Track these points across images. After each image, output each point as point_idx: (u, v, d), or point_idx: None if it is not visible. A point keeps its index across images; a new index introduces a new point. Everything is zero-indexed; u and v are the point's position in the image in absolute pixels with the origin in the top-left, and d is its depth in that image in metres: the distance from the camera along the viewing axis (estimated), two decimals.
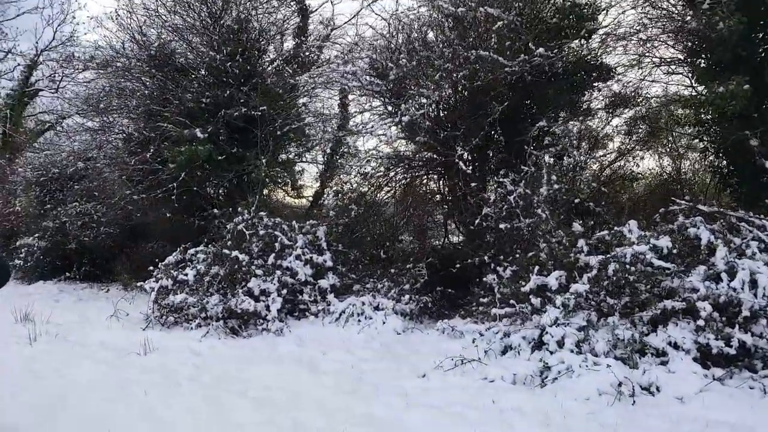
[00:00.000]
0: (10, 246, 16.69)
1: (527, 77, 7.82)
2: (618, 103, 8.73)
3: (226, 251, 8.42)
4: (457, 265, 7.50)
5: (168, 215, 13.92)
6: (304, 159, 15.33)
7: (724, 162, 7.66)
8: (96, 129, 14.20)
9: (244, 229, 9.00)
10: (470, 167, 7.54)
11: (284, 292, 8.03)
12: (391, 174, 10.28)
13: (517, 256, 6.66)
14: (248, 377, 5.54)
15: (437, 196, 10.05)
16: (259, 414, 4.59)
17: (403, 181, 10.19)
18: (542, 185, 6.76)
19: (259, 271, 8.27)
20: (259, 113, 11.81)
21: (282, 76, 13.14)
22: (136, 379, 5.60)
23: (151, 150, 11.95)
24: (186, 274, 8.47)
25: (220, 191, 14.01)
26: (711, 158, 7.79)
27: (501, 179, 7.35)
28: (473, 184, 7.54)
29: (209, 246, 9.28)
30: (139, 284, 9.19)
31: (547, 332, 5.32)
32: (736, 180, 7.28)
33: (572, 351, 5.07)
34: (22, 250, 15.32)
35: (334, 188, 10.94)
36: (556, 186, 6.81)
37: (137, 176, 12.92)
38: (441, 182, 9.94)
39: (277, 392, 5.09)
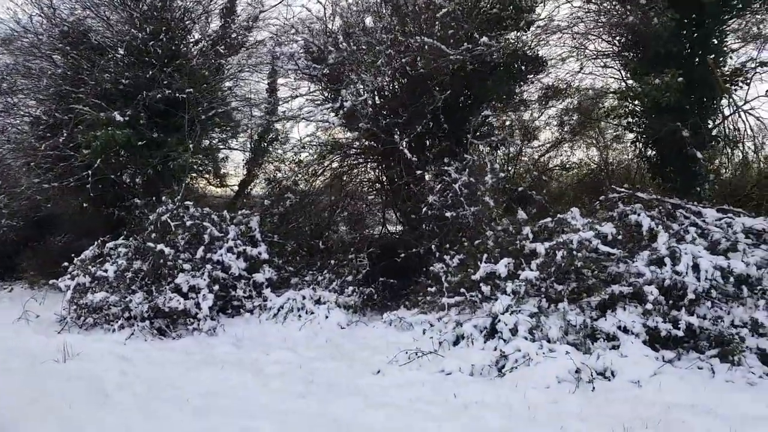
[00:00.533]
0: None
1: (468, 66, 7.66)
2: (551, 95, 8.79)
3: (151, 244, 7.68)
4: (402, 255, 7.23)
5: (82, 206, 12.79)
6: (228, 146, 14.50)
7: (654, 152, 7.89)
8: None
9: (169, 220, 8.27)
10: (412, 156, 7.27)
11: (216, 288, 7.43)
12: (327, 162, 9.88)
13: (465, 244, 6.48)
14: (185, 383, 4.97)
15: (376, 185, 9.75)
16: (203, 423, 4.09)
17: (340, 170, 9.82)
18: (486, 174, 6.62)
19: (186, 266, 7.60)
20: (185, 95, 10.97)
21: (208, 57, 12.30)
22: (56, 389, 4.88)
23: (65, 134, 10.79)
24: (105, 270, 7.64)
25: (138, 180, 12.97)
26: (641, 148, 8.00)
27: (445, 167, 7.13)
28: (418, 172, 7.28)
29: (130, 239, 8.46)
30: (50, 282, 8.23)
31: (499, 320, 5.16)
32: (670, 169, 7.49)
33: (526, 338, 4.94)
34: None
35: (266, 176, 10.38)
36: (501, 174, 6.69)
37: (46, 163, 11.63)
38: (379, 171, 9.65)
39: (220, 399, 4.58)
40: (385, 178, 9.57)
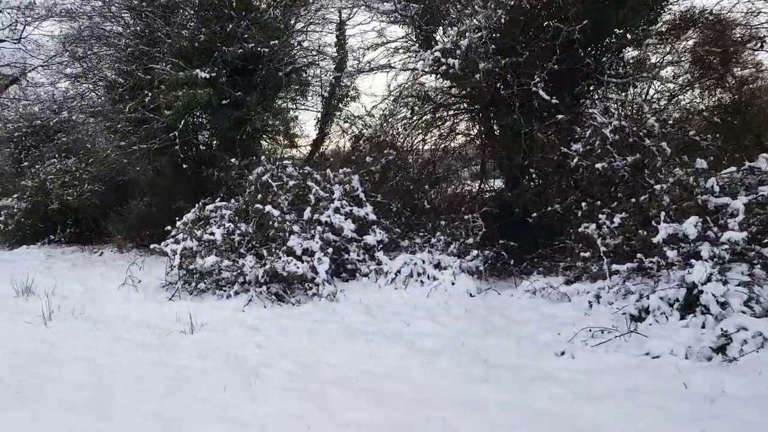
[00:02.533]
0: None
1: None
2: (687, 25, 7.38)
3: (259, 206, 6.90)
4: (534, 215, 6.22)
5: (160, 169, 12.20)
6: (301, 104, 13.53)
7: None
8: (76, 75, 12.02)
9: (270, 181, 7.47)
10: (551, 98, 6.14)
11: (330, 251, 6.63)
12: (416, 117, 8.85)
13: (621, 200, 5.43)
14: (336, 361, 4.20)
15: (475, 138, 8.68)
16: (383, 411, 3.29)
17: (435, 123, 8.80)
18: (645, 116, 5.48)
19: (296, 228, 6.83)
20: (263, 50, 10.03)
21: (280, 8, 11.26)
22: (196, 367, 4.18)
23: (149, 96, 10.05)
24: (212, 234, 6.93)
25: (215, 141, 12.21)
26: None
27: (589, 110, 6.03)
28: (560, 116, 6.15)
29: (231, 201, 7.71)
30: (152, 246, 7.59)
31: (701, 291, 4.17)
32: None
33: (744, 313, 3.95)
34: (1, 212, 13.28)
35: (354, 134, 9.41)
36: (664, 116, 5.56)
37: (127, 127, 11.03)
38: (479, 122, 8.58)
39: (384, 380, 3.79)
40: (483, 129, 8.52)
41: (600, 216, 5.43)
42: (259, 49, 10.52)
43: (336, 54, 12.83)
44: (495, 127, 7.95)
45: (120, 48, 10.89)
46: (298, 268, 6.17)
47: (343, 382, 3.78)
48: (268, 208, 6.81)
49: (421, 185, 7.92)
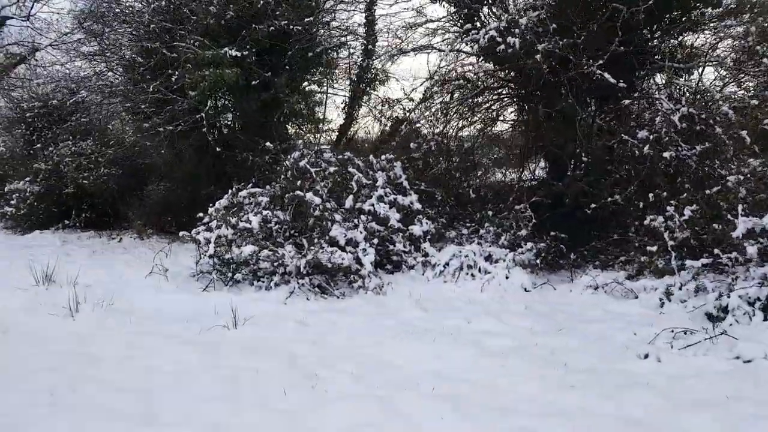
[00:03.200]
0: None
1: None
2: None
3: (299, 192, 6.73)
4: (592, 205, 6.01)
5: (179, 153, 12.08)
6: (330, 85, 13.25)
7: None
8: (93, 53, 11.86)
9: (308, 166, 7.31)
10: (618, 82, 5.89)
11: (375, 241, 6.48)
12: (455, 103, 8.62)
13: (689, 192, 5.21)
14: (401, 361, 4.04)
15: (525, 123, 8.44)
16: (468, 424, 3.15)
17: (483, 108, 8.58)
18: (717, 103, 5.24)
19: (337, 217, 6.67)
20: (300, 27, 9.82)
21: None
22: (247, 366, 4.04)
23: (175, 75, 9.86)
24: (249, 221, 6.79)
25: (238, 125, 12.02)
26: None
27: (654, 94, 5.79)
28: (626, 102, 5.92)
29: (266, 187, 7.55)
30: (180, 234, 7.46)
31: None
32: None
33: None
34: (13, 196, 13.20)
35: (391, 116, 9.19)
36: (735, 104, 5.32)
37: (148, 108, 10.86)
38: (523, 107, 8.35)
39: (461, 385, 3.59)
40: (529, 115, 8.29)
41: (668, 208, 5.22)
42: (291, 26, 10.32)
43: (365, 35, 12.59)
44: (542, 112, 7.70)
45: (141, 25, 10.69)
46: (343, 259, 6.01)
47: (414, 386, 3.61)
48: (309, 195, 6.64)
49: (467, 173, 7.71)
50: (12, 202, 13.17)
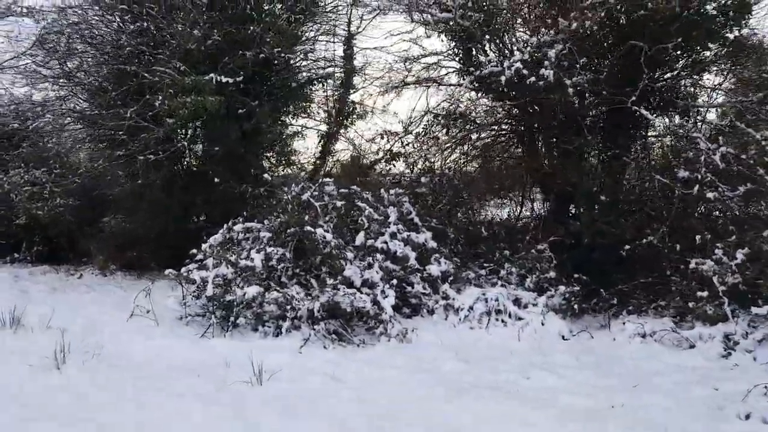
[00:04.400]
0: None
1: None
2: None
3: (309, 228, 6.07)
4: (627, 248, 5.68)
5: (152, 185, 11.14)
6: (308, 116, 12.61)
7: None
8: (57, 76, 10.82)
9: (312, 200, 6.68)
10: (655, 115, 5.67)
11: (394, 282, 5.89)
12: (451, 137, 8.31)
13: (740, 235, 4.98)
14: (471, 426, 3.46)
15: (520, 161, 8.21)
16: None
17: (477, 144, 8.28)
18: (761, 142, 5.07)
19: (349, 255, 6.06)
20: (288, 55, 9.31)
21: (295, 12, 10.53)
22: None
23: (153, 101, 9.04)
24: (251, 259, 6.04)
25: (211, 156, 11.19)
26: None
27: (693, 134, 5.59)
28: (651, 136, 5.69)
29: (265, 222, 6.83)
30: (174, 273, 6.60)
31: None
32: None
33: None
34: None
35: (390, 150, 8.74)
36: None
37: (119, 135, 9.89)
38: (524, 144, 8.12)
39: None
40: (529, 150, 8.08)
41: (716, 251, 4.94)
42: (281, 54, 9.81)
43: (343, 68, 12.21)
44: (552, 147, 7.46)
45: (114, 48, 9.85)
46: (365, 303, 5.38)
47: None
48: (320, 231, 6.00)
49: (472, 209, 7.30)
50: None
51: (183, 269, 6.40)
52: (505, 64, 6.17)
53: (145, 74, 9.04)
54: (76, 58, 11.12)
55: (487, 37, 7.61)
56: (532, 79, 5.88)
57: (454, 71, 8.63)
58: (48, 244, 11.81)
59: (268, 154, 11.89)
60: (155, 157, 9.60)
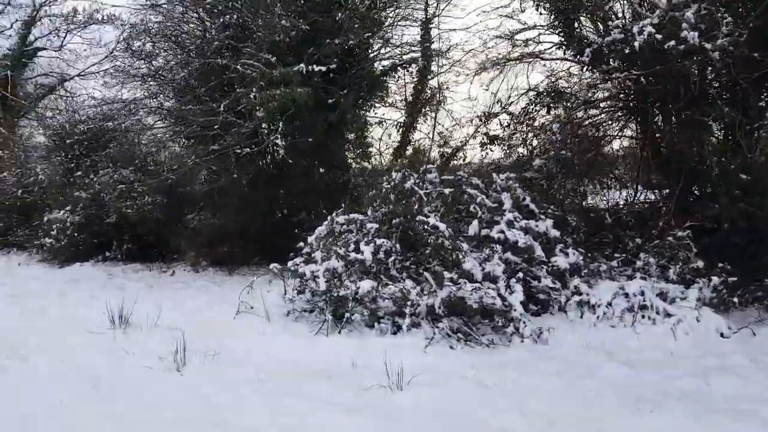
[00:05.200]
0: (33, 222, 13.41)
1: None
2: None
3: (422, 218, 5.57)
4: None
5: (238, 180, 11.02)
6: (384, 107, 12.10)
7: None
8: (145, 75, 10.83)
9: (416, 188, 6.18)
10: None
11: (519, 276, 5.30)
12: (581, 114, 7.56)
13: None
14: None
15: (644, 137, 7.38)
16: None
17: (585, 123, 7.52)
18: None
19: (464, 245, 5.51)
20: (374, 42, 8.87)
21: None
22: None
23: (236, 95, 8.81)
24: (360, 252, 5.61)
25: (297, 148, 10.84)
26: None
27: None
28: None
29: (369, 213, 6.40)
30: (278, 267, 6.26)
31: None
32: None
33: None
34: (53, 226, 12.09)
35: (486, 133, 8.10)
36: None
37: (208, 132, 9.71)
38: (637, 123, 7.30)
39: None
40: (639, 130, 7.25)
41: None
42: (362, 41, 9.41)
43: (423, 53, 11.58)
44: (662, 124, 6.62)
45: (204, 42, 9.68)
46: (494, 298, 4.82)
47: None
48: (433, 220, 5.49)
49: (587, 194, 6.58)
50: (52, 232, 12.06)
51: (290, 263, 6.06)
52: (635, 29, 5.41)
53: (237, 66, 8.78)
54: (161, 58, 11.16)
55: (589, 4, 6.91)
56: (671, 43, 5.11)
57: (552, 46, 7.94)
58: (137, 242, 11.93)
59: (359, 143, 11.51)
60: (247, 151, 9.41)
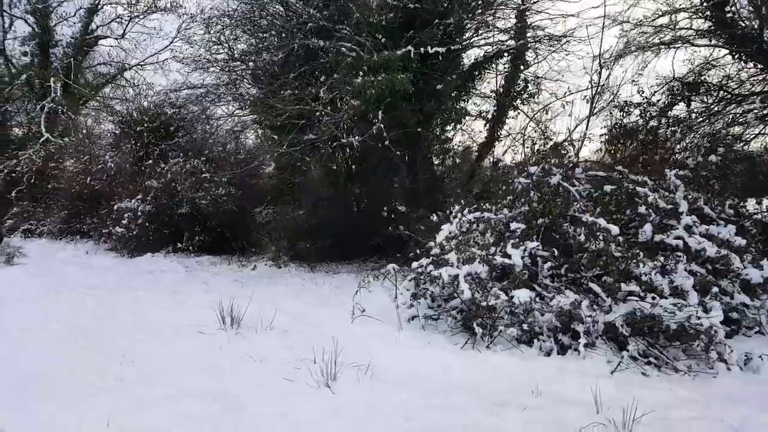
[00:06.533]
0: (101, 210, 13.21)
1: None
2: None
3: (588, 218, 4.82)
4: None
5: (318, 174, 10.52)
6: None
7: None
8: (225, 60, 10.36)
9: (568, 185, 5.42)
10: None
11: (714, 291, 4.48)
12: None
13: None
14: None
15: None
16: None
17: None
18: None
19: (639, 253, 4.72)
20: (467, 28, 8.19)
21: None
22: None
23: (328, 82, 8.22)
24: (508, 255, 4.89)
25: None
26: None
27: None
28: None
29: (505, 211, 5.68)
30: (396, 267, 5.61)
31: None
32: None
33: None
34: (125, 215, 11.82)
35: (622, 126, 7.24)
36: None
37: (293, 120, 9.17)
38: None
39: None
40: None
41: None
42: (461, 25, 8.72)
43: (516, 42, 10.72)
44: None
45: (297, 23, 9.10)
46: (699, 319, 4.03)
47: None
48: (602, 221, 4.73)
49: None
50: (123, 221, 11.79)
51: (415, 264, 5.40)
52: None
53: (336, 48, 8.19)
54: (242, 42, 10.71)
55: None
56: None
57: (696, 33, 7.06)
58: (210, 234, 11.55)
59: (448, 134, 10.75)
60: (338, 143, 8.85)
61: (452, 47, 8.82)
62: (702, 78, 6.87)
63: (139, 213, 11.77)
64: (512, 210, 5.60)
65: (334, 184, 10.61)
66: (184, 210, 11.45)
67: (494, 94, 11.11)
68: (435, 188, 9.19)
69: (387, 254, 10.12)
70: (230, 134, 11.93)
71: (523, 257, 4.85)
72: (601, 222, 4.68)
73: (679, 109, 7.13)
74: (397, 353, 4.36)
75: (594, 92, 6.35)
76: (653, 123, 6.62)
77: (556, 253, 4.93)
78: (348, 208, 10.57)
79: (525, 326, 4.41)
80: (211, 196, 11.39)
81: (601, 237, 4.69)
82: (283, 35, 9.38)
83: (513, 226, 5.12)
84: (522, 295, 4.48)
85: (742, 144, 6.65)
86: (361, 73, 7.88)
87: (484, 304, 4.62)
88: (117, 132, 14.38)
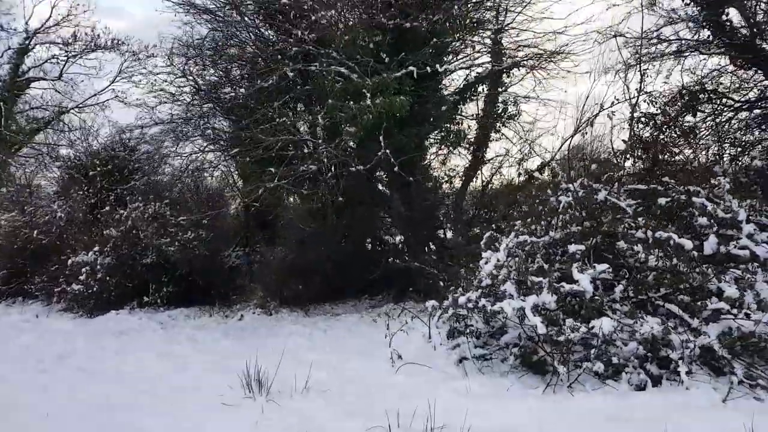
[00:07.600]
0: (53, 266, 11.89)
1: None
2: None
3: (664, 234, 4.47)
4: None
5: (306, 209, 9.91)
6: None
7: None
8: (192, 92, 9.62)
9: (613, 199, 5.10)
10: None
11: None
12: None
13: None
14: None
15: None
16: None
17: None
18: None
19: (708, 269, 4.42)
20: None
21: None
22: None
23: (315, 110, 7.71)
24: (576, 281, 4.47)
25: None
26: None
27: None
28: None
29: (550, 233, 5.27)
30: (436, 304, 5.09)
31: None
32: None
33: None
34: (82, 270, 10.63)
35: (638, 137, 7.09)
36: None
37: (266, 155, 8.41)
38: None
39: None
40: None
41: None
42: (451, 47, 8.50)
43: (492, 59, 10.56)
44: None
45: (270, 54, 8.58)
46: None
47: None
48: (677, 237, 4.41)
49: None
50: (81, 277, 10.59)
51: (462, 299, 4.89)
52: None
53: (321, 73, 7.70)
54: (210, 74, 10.09)
55: None
56: None
57: (692, 43, 7.10)
58: (179, 284, 10.53)
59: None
60: (331, 174, 8.31)
61: (449, 67, 8.56)
62: (706, 87, 6.84)
63: (98, 266, 10.61)
64: (549, 231, 5.23)
65: (321, 218, 9.98)
66: (150, 259, 10.45)
67: (492, 115, 10.73)
68: (432, 215, 8.77)
69: (381, 289, 9.59)
70: (197, 173, 11.09)
71: (592, 282, 4.44)
72: (674, 237, 4.35)
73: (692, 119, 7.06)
74: (479, 408, 3.79)
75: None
76: (671, 133, 6.51)
77: (626, 274, 4.55)
78: (338, 242, 9.99)
79: (614, 359, 3.96)
80: (179, 242, 10.46)
81: (671, 253, 4.35)
82: (261, 63, 8.82)
83: (572, 248, 4.71)
84: (605, 325, 4.05)
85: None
86: (362, 95, 7.39)
87: (561, 338, 4.16)
88: (65, 177, 13.20)
